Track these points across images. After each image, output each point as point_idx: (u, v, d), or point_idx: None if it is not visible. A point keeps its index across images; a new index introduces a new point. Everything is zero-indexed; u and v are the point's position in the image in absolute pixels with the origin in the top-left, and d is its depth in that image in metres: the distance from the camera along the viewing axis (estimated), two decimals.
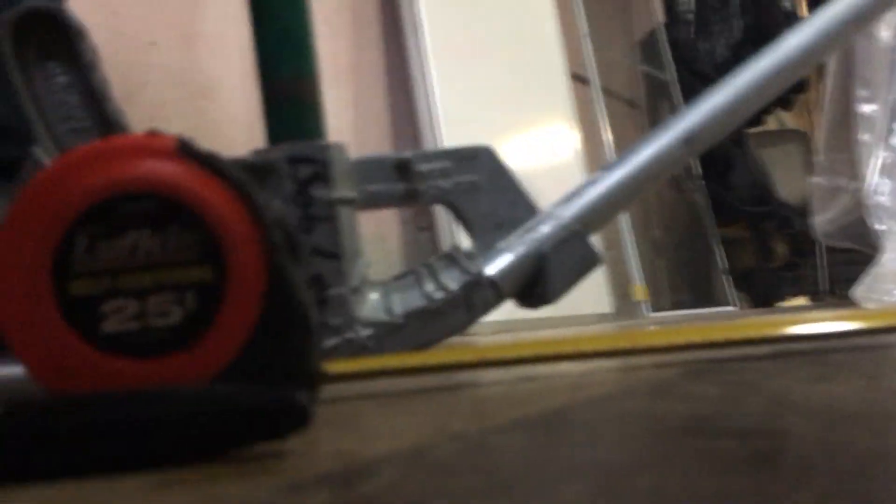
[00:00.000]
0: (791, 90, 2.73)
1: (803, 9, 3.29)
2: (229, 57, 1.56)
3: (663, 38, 3.25)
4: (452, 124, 1.89)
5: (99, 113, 0.37)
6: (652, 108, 3.23)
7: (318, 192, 0.50)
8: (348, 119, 1.90)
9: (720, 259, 3.18)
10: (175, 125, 1.49)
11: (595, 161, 2.39)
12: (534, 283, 0.62)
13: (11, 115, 0.65)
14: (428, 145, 1.87)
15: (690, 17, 3.29)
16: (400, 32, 1.99)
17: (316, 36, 1.69)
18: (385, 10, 2.02)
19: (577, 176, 2.14)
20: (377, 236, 1.85)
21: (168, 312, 0.31)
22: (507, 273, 0.61)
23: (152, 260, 0.30)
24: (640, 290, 2.47)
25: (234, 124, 1.57)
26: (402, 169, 0.57)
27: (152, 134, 0.31)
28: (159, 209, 0.30)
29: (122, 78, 1.40)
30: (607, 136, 2.61)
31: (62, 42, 0.36)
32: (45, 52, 0.36)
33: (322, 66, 1.80)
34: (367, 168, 0.56)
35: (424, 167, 0.59)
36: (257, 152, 0.49)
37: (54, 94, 0.36)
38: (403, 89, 2.00)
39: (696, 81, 3.01)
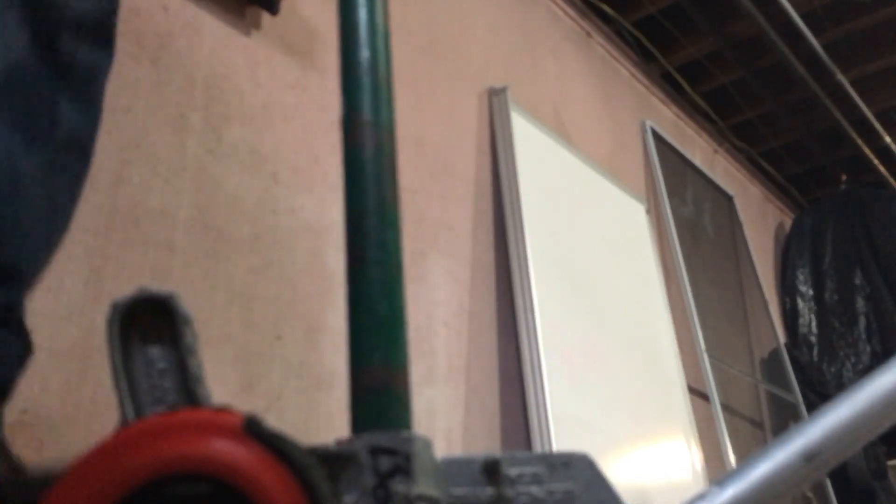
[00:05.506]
0: None
1: None
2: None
3: (786, 358, 3.18)
4: (564, 429, 1.85)
5: (189, 396, 0.38)
6: (777, 429, 3.07)
7: (398, 486, 0.48)
8: (458, 418, 1.90)
9: None
10: (288, 415, 1.52)
11: None
12: None
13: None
14: (538, 448, 1.82)
15: (813, 339, 3.23)
16: (515, 336, 2.03)
17: (436, 336, 1.74)
18: (501, 315, 2.09)
19: None
20: None
21: None
22: None
23: None
24: None
25: (346, 417, 1.59)
26: (491, 471, 0.54)
27: (220, 410, 0.31)
28: (213, 493, 0.29)
29: (246, 367, 1.47)
30: (729, 455, 2.47)
31: (167, 327, 0.39)
32: (149, 336, 0.38)
33: (437, 366, 1.83)
34: (453, 469, 0.54)
35: (514, 471, 0.55)
36: (339, 442, 0.49)
37: (151, 379, 0.38)
38: (516, 391, 2.00)
39: (823, 405, 2.88)
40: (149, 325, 0.38)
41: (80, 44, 0.75)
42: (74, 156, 0.77)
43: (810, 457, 0.69)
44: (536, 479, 0.56)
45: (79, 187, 0.79)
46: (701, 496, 0.68)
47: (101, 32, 0.78)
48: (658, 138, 3.17)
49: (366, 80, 0.54)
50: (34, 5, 0.71)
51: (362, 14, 0.56)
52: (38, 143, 0.72)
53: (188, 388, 0.39)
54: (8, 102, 0.70)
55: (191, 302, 1.48)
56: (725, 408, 2.60)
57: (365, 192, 0.52)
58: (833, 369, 3.18)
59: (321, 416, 1.59)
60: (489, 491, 0.55)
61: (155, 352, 0.39)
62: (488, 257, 2.14)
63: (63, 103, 0.75)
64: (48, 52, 0.73)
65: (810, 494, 2.99)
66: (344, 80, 0.55)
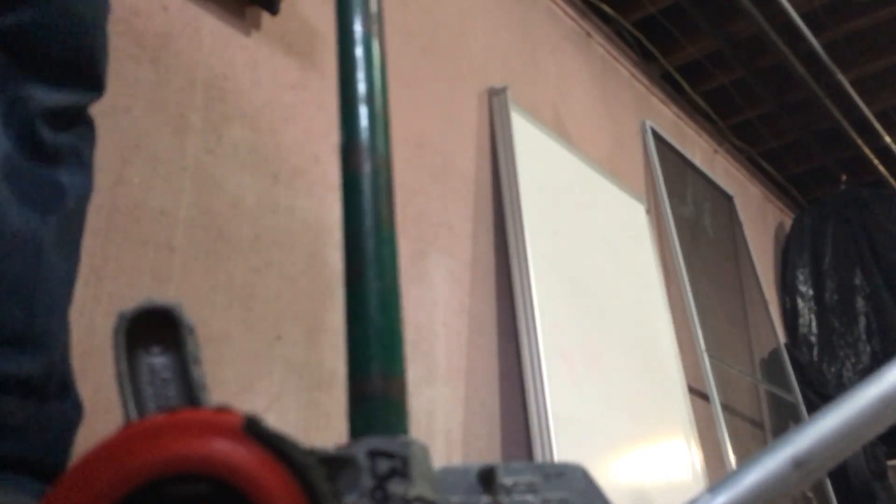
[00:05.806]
0: None
1: None
2: None
3: (786, 358, 3.18)
4: (564, 429, 1.85)
5: (193, 404, 0.38)
6: (777, 429, 3.08)
7: (396, 487, 0.49)
8: (458, 418, 1.90)
9: None
10: (288, 415, 1.53)
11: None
12: None
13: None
14: (538, 448, 1.82)
15: (813, 339, 3.23)
16: (515, 336, 2.03)
17: (436, 336, 1.74)
18: (501, 316, 2.09)
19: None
20: None
21: None
22: None
23: None
24: None
25: (345, 417, 1.58)
26: (487, 480, 0.55)
27: (220, 410, 0.31)
28: (213, 493, 0.29)
29: (246, 367, 1.47)
30: (729, 455, 2.47)
31: (171, 337, 0.39)
32: (153, 346, 0.39)
33: (436, 365, 1.83)
34: (450, 477, 0.54)
35: (510, 480, 0.56)
36: (339, 446, 0.49)
37: (155, 387, 0.38)
38: (516, 391, 2.00)
39: (824, 405, 2.90)
40: (153, 334, 0.39)
41: (59, 128, 0.83)
42: (80, 218, 0.85)
43: (800, 463, 0.70)
44: (531, 488, 0.57)
45: (80, 246, 0.87)
46: (693, 502, 0.68)
47: (77, 114, 0.86)
48: (658, 138, 3.17)
49: (363, 112, 0.59)
50: (12, 104, 0.80)
51: (359, 51, 0.60)
52: (51, 214, 0.80)
53: (192, 397, 0.40)
54: (17, 183, 0.77)
55: (191, 302, 1.47)
56: (725, 408, 2.60)
57: (362, 213, 0.56)
58: (833, 369, 3.19)
59: (321, 416, 1.59)
60: (485, 499, 0.56)
61: (159, 361, 0.40)
62: (488, 257, 2.14)
63: (64, 175, 0.82)
64: (36, 139, 0.81)
65: (810, 494, 3.00)
66: (343, 110, 0.59)
